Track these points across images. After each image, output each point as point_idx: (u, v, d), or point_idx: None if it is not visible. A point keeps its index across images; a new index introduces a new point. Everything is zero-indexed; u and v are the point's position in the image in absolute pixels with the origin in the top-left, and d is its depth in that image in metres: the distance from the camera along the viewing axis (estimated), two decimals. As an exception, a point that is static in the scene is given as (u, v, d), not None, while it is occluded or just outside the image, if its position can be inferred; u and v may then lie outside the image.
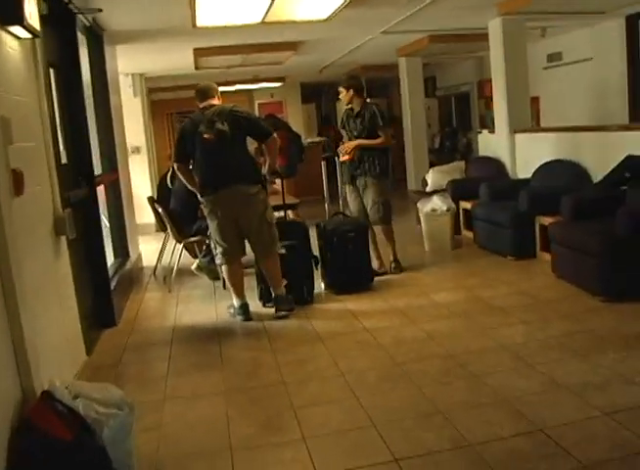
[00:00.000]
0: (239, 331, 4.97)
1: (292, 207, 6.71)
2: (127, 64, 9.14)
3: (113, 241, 6.71)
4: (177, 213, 6.50)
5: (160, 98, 14.15)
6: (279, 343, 4.55)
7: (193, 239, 6.44)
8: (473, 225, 7.21)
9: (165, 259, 6.91)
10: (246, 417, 3.43)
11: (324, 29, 7.41)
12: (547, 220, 6.01)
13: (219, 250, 5.08)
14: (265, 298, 5.40)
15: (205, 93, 5.14)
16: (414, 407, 3.33)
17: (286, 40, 8.15)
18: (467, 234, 7.59)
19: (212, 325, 5.12)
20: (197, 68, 9.43)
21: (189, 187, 5.16)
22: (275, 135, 5.09)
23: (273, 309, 5.21)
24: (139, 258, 7.66)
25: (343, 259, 5.61)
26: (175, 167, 5.22)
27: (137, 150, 10.28)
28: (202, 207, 5.13)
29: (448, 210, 7.00)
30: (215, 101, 5.11)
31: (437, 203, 7.01)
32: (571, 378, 3.51)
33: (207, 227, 6.20)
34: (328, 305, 5.41)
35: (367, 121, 6.10)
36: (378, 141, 6.00)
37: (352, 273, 5.66)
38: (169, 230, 6.48)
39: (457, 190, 7.61)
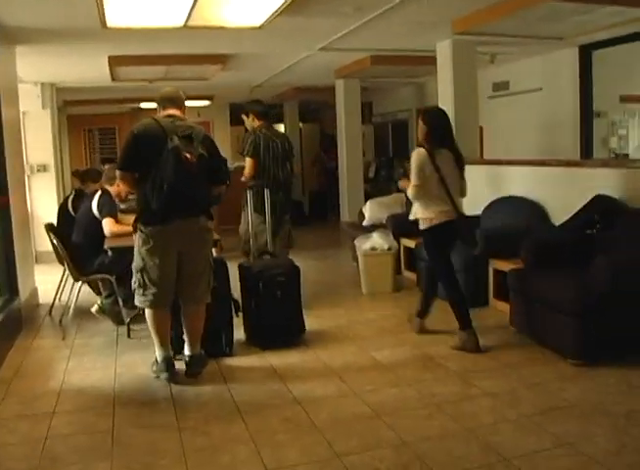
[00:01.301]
0: (140, 398, 3.99)
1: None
2: (34, 71, 8.17)
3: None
4: (78, 246, 5.53)
5: (78, 112, 13.10)
6: (189, 418, 3.63)
7: (94, 277, 5.47)
8: (416, 266, 6.46)
9: (65, 296, 5.87)
10: None
11: (256, 41, 6.62)
12: (503, 265, 5.32)
13: (150, 291, 4.11)
14: (175, 347, 4.45)
15: (171, 99, 4.24)
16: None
17: (213, 52, 7.30)
18: (409, 275, 6.85)
19: (108, 389, 4.14)
20: (114, 79, 8.48)
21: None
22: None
23: (182, 362, 4.31)
24: (33, 293, 6.59)
25: (270, 308, 4.74)
26: (118, 176, 4.27)
27: (43, 168, 9.20)
28: (139, 237, 4.10)
29: (390, 248, 6.25)
30: (180, 113, 4.24)
31: (378, 241, 6.25)
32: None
33: (111, 263, 5.32)
34: (250, 362, 4.52)
35: None
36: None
37: (280, 325, 4.79)
38: (66, 266, 5.49)
39: (398, 226, 6.85)
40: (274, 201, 5.71)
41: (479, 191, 6.81)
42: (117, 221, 5.50)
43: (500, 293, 5.44)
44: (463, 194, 4.75)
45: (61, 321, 5.67)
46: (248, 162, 5.90)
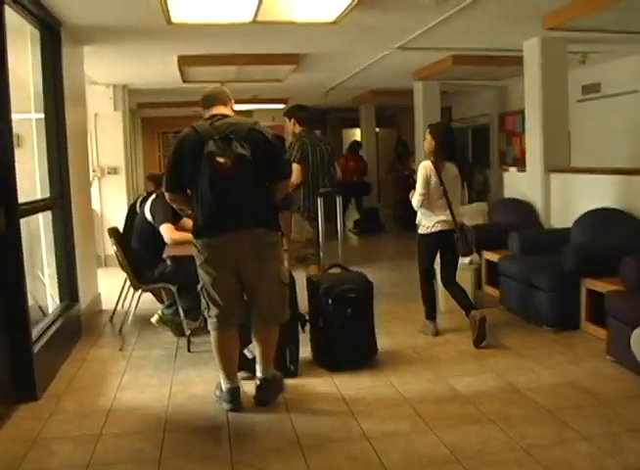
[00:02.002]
0: (193, 423, 3.65)
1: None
2: (106, 72, 8.05)
3: (58, 281, 5.46)
4: (137, 253, 5.27)
5: (151, 115, 13.06)
6: (244, 450, 3.26)
7: (154, 286, 5.21)
8: (499, 282, 5.94)
9: (128, 303, 5.62)
10: None
11: (330, 39, 6.26)
12: (598, 285, 4.78)
13: (212, 311, 3.73)
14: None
15: (213, 98, 3.85)
16: None
17: (285, 51, 6.96)
18: (490, 291, 6.33)
19: (161, 410, 3.81)
20: (185, 80, 8.24)
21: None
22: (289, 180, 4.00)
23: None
24: (96, 299, 6.39)
25: (340, 327, 4.34)
26: (168, 198, 3.91)
27: (114, 170, 9.08)
28: (195, 252, 3.75)
29: (471, 262, 5.75)
30: (227, 110, 3.82)
31: (459, 253, 5.77)
32: None
33: (172, 272, 5.04)
34: (315, 386, 4.12)
35: None
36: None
37: (350, 345, 4.38)
38: (126, 274, 5.25)
39: (480, 238, 6.32)
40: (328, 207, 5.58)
41: (568, 202, 6.29)
42: (177, 227, 5.21)
43: (594, 316, 4.89)
44: (464, 202, 5.22)
45: (121, 330, 5.44)
46: (295, 168, 5.68)
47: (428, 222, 4.97)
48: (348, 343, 4.36)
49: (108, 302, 6.37)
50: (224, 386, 3.80)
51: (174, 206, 4.40)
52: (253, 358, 4.06)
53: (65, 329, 5.00)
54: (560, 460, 3.01)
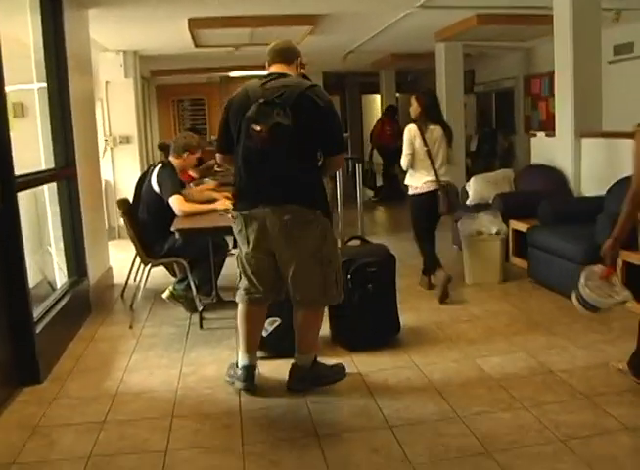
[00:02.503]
0: (203, 409, 3.41)
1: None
2: (115, 38, 7.79)
3: (65, 256, 5.23)
4: (145, 225, 5.02)
5: (166, 83, 12.75)
6: (256, 440, 3.02)
7: (163, 261, 4.97)
8: (527, 253, 5.63)
9: (139, 277, 5.37)
10: None
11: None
12: (635, 257, 4.47)
13: (243, 283, 3.51)
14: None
15: (274, 53, 3.46)
16: None
17: (301, 12, 6.61)
18: (518, 262, 6.01)
19: (169, 395, 3.58)
20: (197, 45, 7.92)
21: None
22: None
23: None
24: (107, 273, 6.18)
25: (360, 304, 4.07)
26: (218, 159, 3.66)
27: (126, 140, 8.82)
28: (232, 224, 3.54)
29: (498, 233, 5.46)
30: (288, 69, 3.42)
31: (485, 223, 5.46)
32: None
33: (183, 245, 4.79)
34: (334, 368, 3.88)
35: None
36: None
37: (371, 323, 4.11)
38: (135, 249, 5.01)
39: (507, 206, 6.01)
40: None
41: (600, 169, 5.95)
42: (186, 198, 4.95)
43: (632, 289, 4.58)
44: (450, 162, 5.39)
45: (131, 306, 5.21)
46: None
47: (416, 183, 5.24)
48: (369, 320, 4.09)
49: (120, 276, 6.16)
50: (241, 362, 3.56)
51: (224, 167, 4.12)
52: (268, 336, 3.84)
53: (72, 306, 4.79)
54: (602, 454, 2.73)
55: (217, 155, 3.61)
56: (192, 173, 7.95)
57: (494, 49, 10.61)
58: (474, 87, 13.02)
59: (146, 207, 5.02)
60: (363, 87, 16.43)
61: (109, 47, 8.38)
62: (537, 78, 10.45)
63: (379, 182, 12.36)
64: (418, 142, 5.15)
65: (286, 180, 3.29)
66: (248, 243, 3.41)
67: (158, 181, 4.93)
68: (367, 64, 11.86)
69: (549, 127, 8.91)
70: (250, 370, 3.56)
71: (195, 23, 6.65)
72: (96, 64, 8.45)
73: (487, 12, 6.96)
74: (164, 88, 12.97)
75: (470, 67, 12.25)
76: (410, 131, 5.20)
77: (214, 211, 4.83)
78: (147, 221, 5.00)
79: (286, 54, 3.46)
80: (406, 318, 4.46)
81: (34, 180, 4.49)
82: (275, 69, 3.42)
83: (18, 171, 3.82)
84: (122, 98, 8.72)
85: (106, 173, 8.81)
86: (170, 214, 4.80)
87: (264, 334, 3.88)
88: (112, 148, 8.78)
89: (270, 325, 3.91)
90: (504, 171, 7.24)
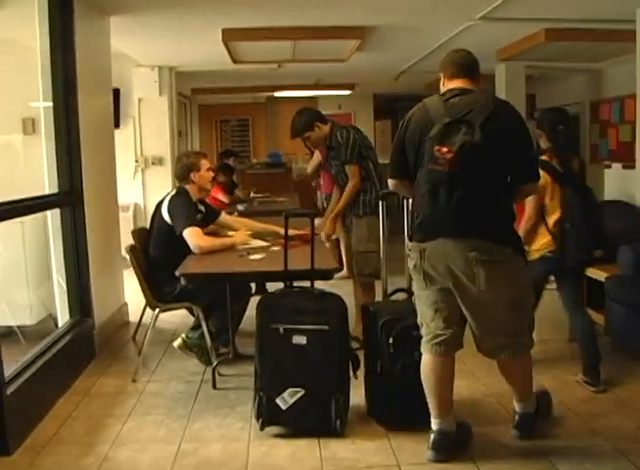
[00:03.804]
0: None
1: (324, 274, 3.66)
2: (146, 51, 7.24)
3: (67, 292, 4.59)
4: (154, 262, 4.34)
5: (208, 102, 12.24)
6: None
7: (173, 306, 4.27)
8: (604, 305, 4.78)
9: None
10: None
11: (401, 7, 5.21)
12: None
13: (425, 330, 3.06)
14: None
15: (458, 67, 3.05)
16: None
17: (348, 24, 5.91)
18: (591, 314, 5.13)
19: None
20: (235, 60, 7.28)
21: None
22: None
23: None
24: (120, 310, 5.52)
25: (403, 374, 3.27)
26: (390, 186, 3.22)
27: (159, 161, 8.24)
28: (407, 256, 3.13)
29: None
30: (472, 85, 3.03)
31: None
32: None
33: (197, 288, 4.09)
34: (366, 455, 3.09)
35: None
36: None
37: (415, 398, 3.29)
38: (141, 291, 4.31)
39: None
40: None
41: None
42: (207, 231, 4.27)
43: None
44: None
45: (140, 352, 4.52)
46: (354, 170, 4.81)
47: None
48: (413, 394, 3.26)
49: (138, 311, 5.48)
50: (435, 425, 3.05)
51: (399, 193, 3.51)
52: (287, 409, 3.14)
53: (69, 351, 4.16)
54: None
55: (389, 181, 3.21)
56: (222, 198, 7.32)
57: (559, 71, 9.80)
58: (534, 113, 12.18)
59: (156, 239, 4.34)
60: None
61: (142, 62, 7.84)
62: (606, 103, 9.58)
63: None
64: None
65: (474, 209, 2.87)
66: (424, 280, 3.00)
67: (169, 210, 4.25)
68: (420, 86, 11.13)
69: (619, 158, 8.10)
70: (444, 437, 3.03)
71: (229, 35, 5.99)
72: (129, 79, 7.97)
73: (557, 26, 6.16)
74: (207, 108, 12.47)
75: (531, 90, 11.43)
76: None
77: (233, 246, 4.14)
78: (156, 258, 4.30)
79: (470, 69, 3.07)
80: (458, 386, 3.61)
81: (26, 207, 3.86)
82: (457, 84, 3.03)
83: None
84: (156, 116, 8.15)
85: (136, 196, 8.29)
86: (184, 250, 4.10)
87: (283, 407, 3.16)
88: (143, 169, 8.21)
89: (291, 396, 3.17)
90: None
